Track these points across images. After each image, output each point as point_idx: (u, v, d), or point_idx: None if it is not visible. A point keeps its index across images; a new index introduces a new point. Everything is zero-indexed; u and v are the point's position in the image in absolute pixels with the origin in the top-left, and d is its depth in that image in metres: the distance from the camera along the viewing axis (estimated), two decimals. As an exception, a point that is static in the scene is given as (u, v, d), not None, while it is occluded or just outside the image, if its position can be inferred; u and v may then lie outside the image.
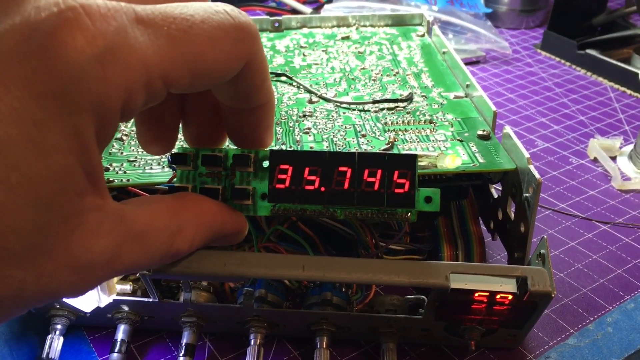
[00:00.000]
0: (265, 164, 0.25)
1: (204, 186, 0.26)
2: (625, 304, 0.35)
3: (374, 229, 0.34)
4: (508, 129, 0.33)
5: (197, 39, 0.19)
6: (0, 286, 0.17)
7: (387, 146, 0.34)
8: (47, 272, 0.18)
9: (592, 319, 0.34)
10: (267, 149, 0.26)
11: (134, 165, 0.33)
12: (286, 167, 0.25)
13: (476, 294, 0.27)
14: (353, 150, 0.33)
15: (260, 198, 0.26)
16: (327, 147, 0.34)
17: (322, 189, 0.25)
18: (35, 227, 0.17)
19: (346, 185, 0.25)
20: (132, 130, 0.36)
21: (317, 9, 0.76)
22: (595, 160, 0.49)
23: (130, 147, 0.34)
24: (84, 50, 0.16)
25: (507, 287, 0.27)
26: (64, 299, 0.28)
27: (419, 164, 0.25)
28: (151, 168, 0.32)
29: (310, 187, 0.25)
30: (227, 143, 0.28)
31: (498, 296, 0.27)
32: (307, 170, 0.25)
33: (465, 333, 0.30)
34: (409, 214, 0.25)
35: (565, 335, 0.33)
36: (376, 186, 0.25)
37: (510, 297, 0.27)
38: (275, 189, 0.25)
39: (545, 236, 0.28)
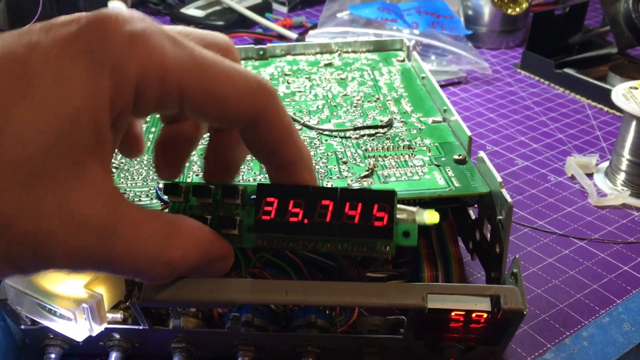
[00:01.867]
0: (253, 197, 0.27)
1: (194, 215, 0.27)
2: (600, 318, 0.36)
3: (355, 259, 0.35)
4: (482, 154, 0.35)
5: (218, 72, 0.23)
6: None
7: (366, 172, 0.35)
8: (42, 208, 0.19)
9: (568, 333, 0.35)
10: (255, 182, 0.27)
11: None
12: (272, 199, 0.26)
13: (453, 313, 0.29)
14: (334, 177, 0.35)
15: (247, 230, 0.27)
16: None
17: (305, 220, 0.26)
18: (41, 153, 0.19)
19: (328, 218, 0.26)
20: (122, 162, 0.37)
21: (302, 34, 0.77)
22: (572, 177, 0.51)
23: (120, 180, 0.36)
24: (119, 30, 0.20)
25: (481, 305, 0.28)
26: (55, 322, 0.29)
27: (397, 216, 0.27)
28: (140, 200, 0.34)
29: (294, 219, 0.26)
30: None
31: (474, 314, 0.29)
32: (291, 203, 0.26)
33: (445, 351, 0.31)
34: (387, 248, 0.26)
35: (542, 350, 0.34)
36: (356, 219, 0.26)
37: (485, 315, 0.29)
38: (260, 220, 0.26)
39: (517, 256, 0.30)
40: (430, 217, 0.30)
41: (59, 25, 0.20)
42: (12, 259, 0.19)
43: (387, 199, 0.26)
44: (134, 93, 0.21)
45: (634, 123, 0.46)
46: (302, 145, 0.26)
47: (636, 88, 0.48)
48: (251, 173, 0.36)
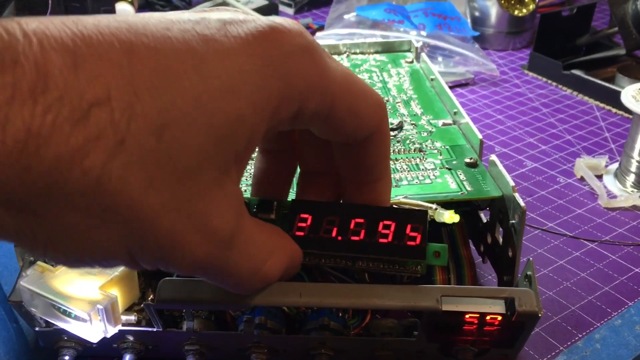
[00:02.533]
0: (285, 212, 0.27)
1: None
2: (612, 320, 0.36)
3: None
4: (494, 157, 0.35)
5: (357, 86, 0.23)
6: (146, 194, 0.17)
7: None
8: (184, 212, 0.19)
9: (580, 336, 0.35)
10: (289, 200, 0.28)
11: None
12: (306, 216, 0.27)
13: (467, 316, 0.29)
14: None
15: None
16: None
17: (339, 237, 0.26)
18: (198, 153, 0.18)
19: (362, 236, 0.26)
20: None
21: (309, 36, 0.77)
22: (582, 179, 0.51)
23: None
24: (294, 40, 0.21)
25: (496, 308, 0.28)
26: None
27: None
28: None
29: (328, 236, 0.26)
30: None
31: (488, 317, 0.29)
32: (325, 220, 0.27)
33: (459, 354, 0.31)
34: (418, 267, 0.27)
35: (555, 352, 0.34)
36: (390, 237, 0.26)
37: (499, 317, 0.29)
38: (294, 235, 0.27)
39: (531, 258, 0.30)
40: (450, 217, 0.30)
41: (232, 23, 0.20)
42: (135, 250, 0.19)
43: (421, 219, 0.27)
44: (297, 106, 0.21)
45: (644, 125, 0.46)
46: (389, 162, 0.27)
47: (646, 89, 0.48)
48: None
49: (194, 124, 0.18)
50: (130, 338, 0.32)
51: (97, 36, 0.17)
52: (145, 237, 0.18)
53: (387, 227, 0.27)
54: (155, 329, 0.31)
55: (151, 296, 0.32)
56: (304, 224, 0.27)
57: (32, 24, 0.16)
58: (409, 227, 0.27)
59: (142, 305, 0.30)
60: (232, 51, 0.19)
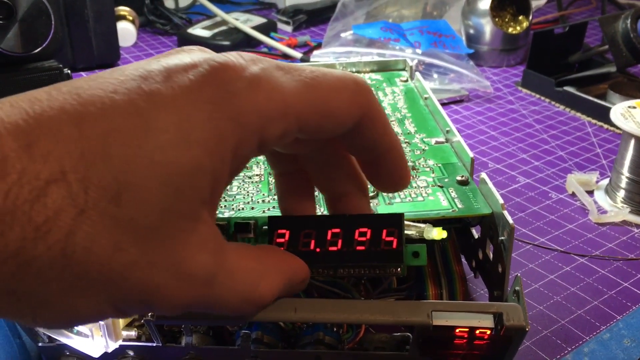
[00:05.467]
0: (265, 228, 0.28)
1: None
2: (601, 334, 0.37)
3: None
4: (484, 175, 0.36)
5: (323, 86, 0.23)
6: (114, 257, 0.18)
7: (372, 194, 0.36)
8: (154, 261, 0.19)
9: (570, 349, 0.36)
10: (266, 215, 0.28)
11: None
12: (283, 231, 0.27)
13: (457, 330, 0.30)
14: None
15: None
16: (316, 196, 0.36)
17: (317, 250, 0.27)
18: (160, 210, 0.18)
19: (339, 245, 0.27)
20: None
21: (306, 53, 0.79)
22: (573, 194, 0.52)
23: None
24: (239, 76, 0.21)
25: (485, 322, 0.29)
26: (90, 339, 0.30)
27: (407, 232, 0.28)
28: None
29: (306, 249, 0.27)
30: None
31: (477, 331, 0.30)
32: (302, 234, 0.27)
33: (450, 367, 0.32)
34: (399, 269, 0.27)
35: (545, 366, 0.35)
36: (367, 245, 0.27)
37: (488, 332, 0.29)
38: None
39: (518, 274, 0.31)
40: (439, 233, 0.31)
41: (177, 72, 0.20)
42: (119, 305, 0.19)
43: (395, 223, 0.27)
44: (258, 139, 0.21)
45: (632, 142, 0.47)
46: (395, 133, 0.26)
47: (634, 107, 0.49)
48: (260, 195, 0.37)
49: (150, 182, 0.18)
50: (131, 353, 0.32)
51: (47, 112, 0.18)
52: (125, 294, 0.19)
53: (363, 234, 0.27)
54: (155, 344, 0.32)
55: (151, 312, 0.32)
56: (282, 240, 0.27)
57: None
58: (384, 232, 0.27)
59: (142, 321, 0.31)
60: (179, 102, 0.19)
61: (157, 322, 0.29)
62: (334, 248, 0.27)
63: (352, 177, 0.28)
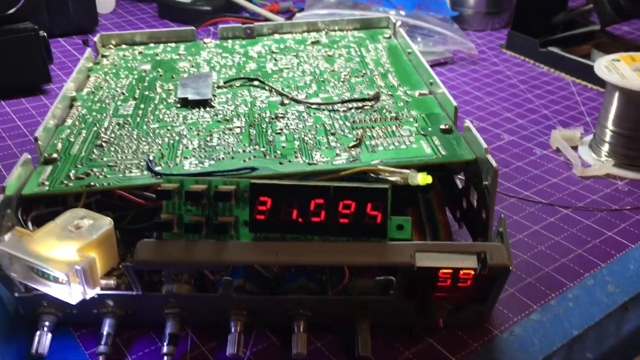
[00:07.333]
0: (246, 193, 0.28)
1: (189, 219, 0.28)
2: (585, 280, 0.37)
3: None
4: (468, 123, 0.35)
5: None
6: None
7: (355, 143, 0.36)
8: None
9: (554, 295, 0.36)
10: (248, 181, 0.28)
11: (114, 170, 0.34)
12: (265, 199, 0.27)
13: (441, 271, 0.29)
14: (323, 148, 0.35)
15: (243, 225, 0.28)
16: (298, 145, 0.36)
17: (300, 220, 0.27)
18: None
19: (322, 217, 0.27)
20: (112, 137, 0.38)
21: (289, 19, 0.78)
22: (557, 150, 0.52)
23: (110, 153, 0.36)
24: None
25: (468, 263, 0.29)
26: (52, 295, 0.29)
27: (391, 178, 0.27)
28: (130, 172, 0.34)
29: (288, 218, 0.27)
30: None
31: (461, 272, 0.29)
32: (284, 202, 0.27)
33: (434, 311, 0.32)
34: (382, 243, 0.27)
35: (528, 311, 0.35)
36: (350, 218, 0.27)
37: (472, 272, 0.29)
38: (255, 220, 0.27)
39: (502, 216, 0.30)
40: (423, 178, 0.31)
41: None
42: None
43: (381, 197, 0.27)
44: None
45: (616, 94, 0.47)
46: None
47: (618, 60, 0.49)
48: (240, 145, 0.36)
49: None
50: (110, 303, 0.32)
51: None
52: None
53: (347, 207, 0.27)
54: (134, 293, 0.31)
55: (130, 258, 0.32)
56: (263, 207, 0.27)
57: None
58: (369, 205, 0.27)
59: (121, 267, 0.31)
60: None
61: (136, 266, 0.29)
62: (317, 219, 0.27)
63: None
